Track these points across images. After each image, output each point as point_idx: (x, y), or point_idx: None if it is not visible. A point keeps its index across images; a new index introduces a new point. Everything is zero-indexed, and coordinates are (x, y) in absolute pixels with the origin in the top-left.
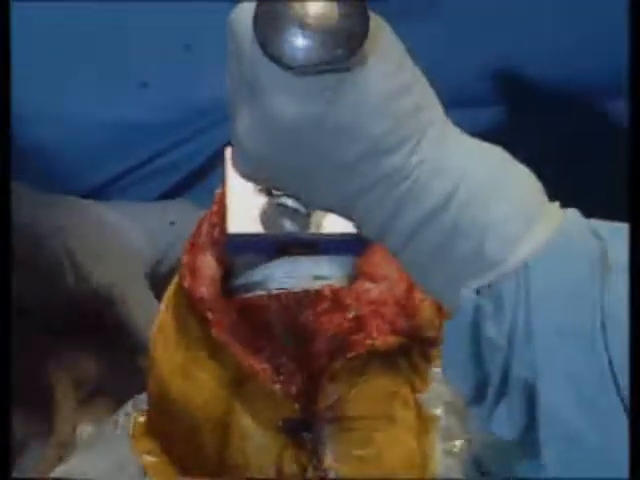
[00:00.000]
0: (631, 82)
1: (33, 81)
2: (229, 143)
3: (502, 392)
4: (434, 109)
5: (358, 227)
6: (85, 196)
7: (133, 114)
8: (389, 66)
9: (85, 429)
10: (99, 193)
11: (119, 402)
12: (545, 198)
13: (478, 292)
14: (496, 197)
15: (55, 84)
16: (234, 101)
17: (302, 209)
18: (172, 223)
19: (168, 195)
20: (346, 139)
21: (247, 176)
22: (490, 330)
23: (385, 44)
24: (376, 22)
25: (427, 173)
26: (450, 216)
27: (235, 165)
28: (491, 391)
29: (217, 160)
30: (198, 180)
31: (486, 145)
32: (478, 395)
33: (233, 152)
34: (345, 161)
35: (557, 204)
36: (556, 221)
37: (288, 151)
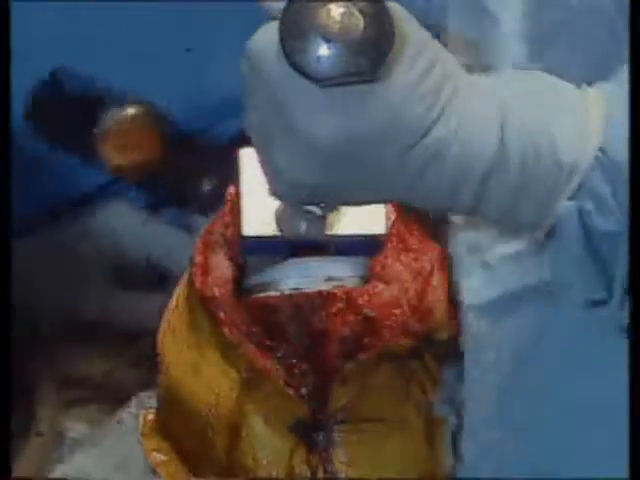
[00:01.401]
0: (631, 82)
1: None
2: (240, 144)
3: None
4: (455, 69)
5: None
6: (84, 197)
7: None
8: (416, 67)
9: (76, 428)
10: (98, 194)
11: (115, 402)
12: (578, 89)
13: (572, 199)
14: (544, 111)
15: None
16: (264, 138)
17: (317, 211)
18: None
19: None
20: (386, 141)
21: (286, 199)
22: (603, 224)
23: (410, 51)
24: (400, 17)
25: (469, 128)
26: (512, 153)
27: (275, 193)
28: (619, 284)
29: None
30: None
31: (514, 72)
32: (608, 295)
33: (270, 182)
34: (390, 161)
35: (585, 86)
36: (598, 101)
37: (332, 170)
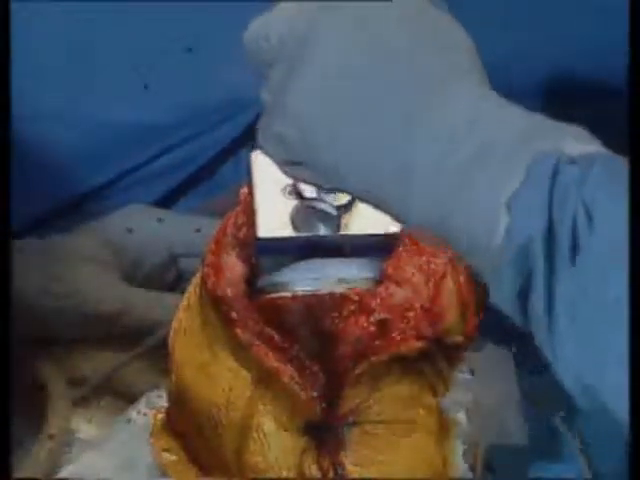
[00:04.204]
0: (631, 81)
1: (33, 81)
2: (250, 147)
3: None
4: None
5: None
6: (85, 197)
7: (134, 116)
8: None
9: (85, 428)
10: (99, 194)
11: (124, 401)
12: None
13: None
14: None
15: (56, 85)
16: (274, 95)
17: (333, 211)
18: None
19: (169, 197)
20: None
21: (287, 165)
22: None
23: None
24: None
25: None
26: None
27: (276, 154)
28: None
29: (218, 162)
30: (199, 182)
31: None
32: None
33: (272, 145)
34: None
35: None
36: None
37: (341, 109)
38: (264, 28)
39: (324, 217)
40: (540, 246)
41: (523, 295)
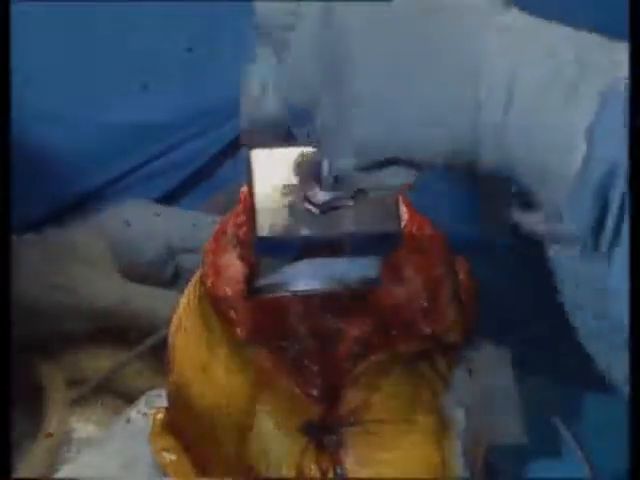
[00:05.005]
0: (631, 81)
1: (33, 81)
2: (241, 145)
3: None
4: None
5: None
6: (85, 197)
7: (134, 116)
8: None
9: (84, 428)
10: (99, 194)
11: (124, 401)
12: None
13: None
14: None
15: (56, 85)
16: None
17: (315, 210)
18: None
19: (168, 197)
20: None
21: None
22: None
23: None
24: None
25: None
26: None
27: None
28: None
29: (218, 162)
30: (199, 181)
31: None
32: None
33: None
34: None
35: None
36: None
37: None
38: None
39: (310, 215)
40: (620, 178)
41: (599, 224)
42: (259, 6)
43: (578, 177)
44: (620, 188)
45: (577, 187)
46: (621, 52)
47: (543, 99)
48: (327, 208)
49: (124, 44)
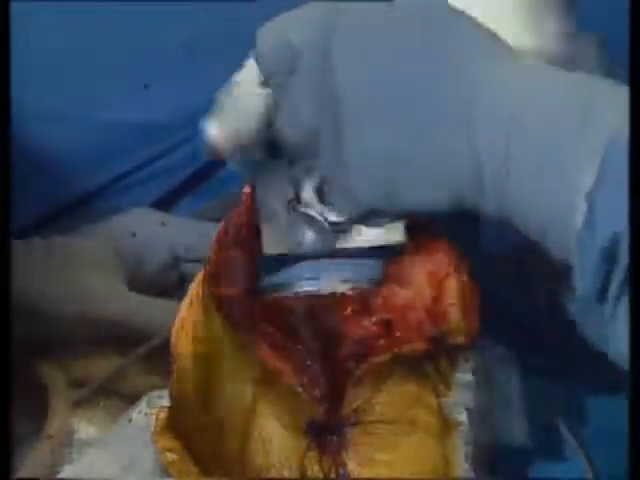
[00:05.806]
0: (631, 80)
1: (33, 81)
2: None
3: None
4: None
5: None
6: (85, 197)
7: (134, 115)
8: None
9: (86, 429)
10: (99, 195)
11: (125, 401)
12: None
13: None
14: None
15: (56, 85)
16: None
17: (324, 223)
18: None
19: (169, 196)
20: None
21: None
22: None
23: None
24: None
25: None
26: None
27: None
28: None
29: (218, 162)
30: (199, 182)
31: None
32: None
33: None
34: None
35: None
36: None
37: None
38: (284, 34)
39: (317, 226)
40: (624, 243)
41: (607, 282)
42: (259, 50)
43: (580, 241)
44: (624, 258)
45: (580, 250)
46: (623, 97)
47: (543, 157)
48: (337, 229)
49: (124, 44)
